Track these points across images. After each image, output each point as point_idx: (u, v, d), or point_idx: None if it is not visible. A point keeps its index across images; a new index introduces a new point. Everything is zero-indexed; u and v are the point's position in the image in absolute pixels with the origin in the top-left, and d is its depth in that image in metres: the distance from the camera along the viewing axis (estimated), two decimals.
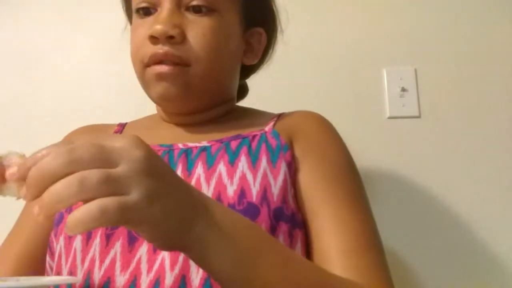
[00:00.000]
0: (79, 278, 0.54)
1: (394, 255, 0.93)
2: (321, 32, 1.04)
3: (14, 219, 0.68)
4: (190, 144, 0.62)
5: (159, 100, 0.66)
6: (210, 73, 0.63)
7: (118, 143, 0.37)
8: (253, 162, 0.59)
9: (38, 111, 1.02)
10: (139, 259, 0.53)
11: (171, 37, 0.60)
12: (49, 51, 1.05)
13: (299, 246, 0.57)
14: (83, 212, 0.33)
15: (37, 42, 1.06)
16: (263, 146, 0.61)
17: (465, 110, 1.01)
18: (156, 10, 0.63)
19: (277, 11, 0.75)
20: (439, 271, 0.94)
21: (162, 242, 0.39)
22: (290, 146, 0.62)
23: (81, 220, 0.33)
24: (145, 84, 0.65)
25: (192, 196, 0.41)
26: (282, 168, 0.59)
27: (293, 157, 0.61)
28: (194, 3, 0.62)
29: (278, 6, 0.75)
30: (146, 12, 0.64)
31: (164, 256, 0.52)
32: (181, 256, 0.52)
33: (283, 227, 0.55)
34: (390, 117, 1.00)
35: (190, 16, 0.62)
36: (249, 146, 0.61)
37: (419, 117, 1.00)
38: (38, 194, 0.35)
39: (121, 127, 0.74)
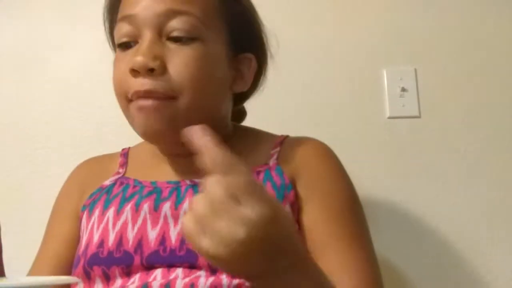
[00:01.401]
0: (78, 278, 0.54)
1: (392, 254, 0.93)
2: (321, 32, 1.04)
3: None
4: (197, 181, 0.63)
5: (143, 137, 0.65)
6: (197, 104, 0.61)
7: None
8: None
9: (37, 111, 1.02)
10: (155, 277, 0.56)
11: (152, 70, 0.58)
12: (49, 51, 1.05)
13: None
14: None
15: (36, 42, 1.06)
16: (268, 184, 0.62)
17: (465, 110, 1.01)
18: (137, 42, 0.62)
19: (266, 36, 0.72)
20: (439, 271, 0.94)
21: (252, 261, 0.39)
22: (293, 184, 0.63)
23: None
24: (130, 120, 0.63)
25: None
26: (286, 209, 0.59)
27: (296, 196, 0.62)
28: (174, 34, 0.60)
29: (268, 30, 0.73)
30: (127, 46, 0.63)
31: (178, 273, 0.55)
32: (194, 276, 0.55)
33: None
34: (390, 117, 1.00)
35: (172, 45, 0.60)
36: None
37: (419, 117, 1.00)
38: None
39: (125, 158, 0.73)
